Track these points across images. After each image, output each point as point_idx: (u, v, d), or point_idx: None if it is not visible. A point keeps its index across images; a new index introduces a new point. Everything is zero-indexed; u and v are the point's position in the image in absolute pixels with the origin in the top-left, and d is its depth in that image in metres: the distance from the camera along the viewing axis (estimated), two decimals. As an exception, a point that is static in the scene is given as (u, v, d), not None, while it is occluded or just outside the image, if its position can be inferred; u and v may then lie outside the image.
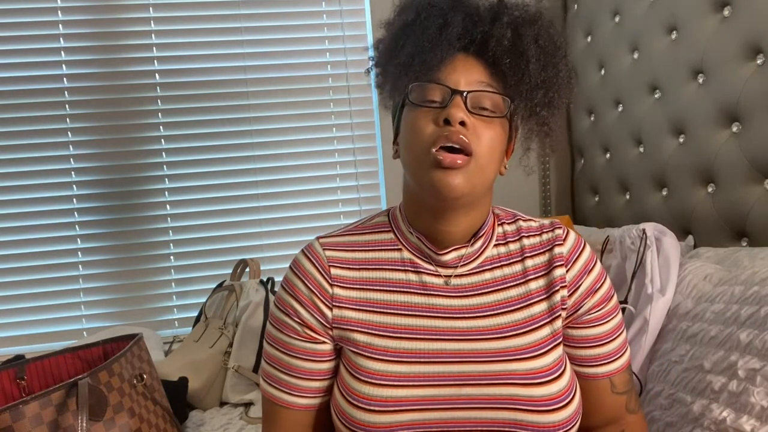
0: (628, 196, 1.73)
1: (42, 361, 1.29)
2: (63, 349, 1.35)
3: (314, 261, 0.82)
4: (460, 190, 0.73)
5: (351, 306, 0.80)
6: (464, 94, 0.75)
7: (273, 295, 1.68)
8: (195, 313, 1.82)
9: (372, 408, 0.75)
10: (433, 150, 0.73)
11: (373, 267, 0.83)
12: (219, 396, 1.60)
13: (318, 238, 0.85)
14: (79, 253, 1.91)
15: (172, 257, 1.96)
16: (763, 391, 0.87)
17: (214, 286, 1.81)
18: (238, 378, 1.58)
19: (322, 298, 0.80)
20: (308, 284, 0.81)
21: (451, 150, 0.73)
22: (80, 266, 1.91)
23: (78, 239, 1.91)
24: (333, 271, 0.81)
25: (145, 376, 1.20)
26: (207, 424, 1.44)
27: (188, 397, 1.50)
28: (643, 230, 1.29)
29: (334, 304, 0.80)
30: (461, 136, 0.73)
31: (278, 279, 1.79)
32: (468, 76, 0.76)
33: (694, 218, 1.45)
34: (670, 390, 1.06)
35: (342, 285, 0.81)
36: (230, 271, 1.81)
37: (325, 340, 0.81)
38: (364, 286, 0.81)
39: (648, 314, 1.18)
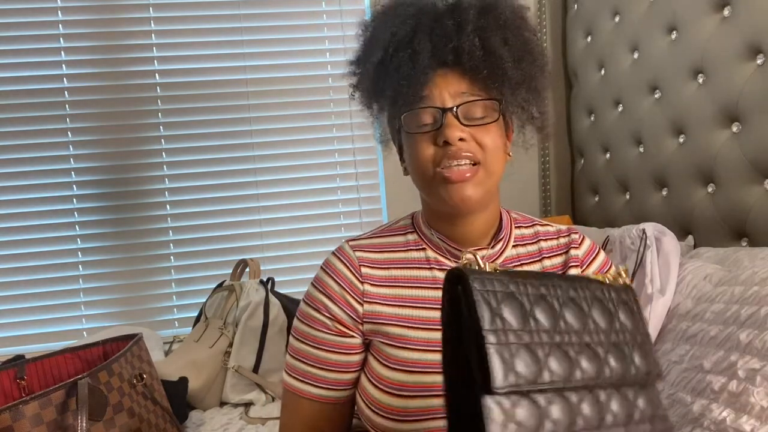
0: (628, 196, 1.73)
1: (42, 361, 1.29)
2: (63, 349, 1.35)
3: (345, 261, 0.86)
4: (474, 201, 0.78)
5: (383, 302, 0.84)
6: (454, 109, 0.78)
7: (273, 295, 1.68)
8: (195, 313, 1.82)
9: (405, 393, 0.79)
10: (438, 169, 0.78)
11: (401, 266, 0.86)
12: (219, 396, 1.60)
13: (347, 241, 0.89)
14: (79, 253, 1.91)
15: (172, 257, 1.96)
16: (763, 391, 0.87)
17: (214, 286, 1.81)
18: (238, 378, 1.58)
19: (352, 294, 0.84)
20: (339, 281, 0.85)
21: (459, 165, 0.77)
22: (80, 266, 1.91)
23: (78, 239, 1.91)
24: (363, 270, 0.85)
25: (145, 376, 1.20)
26: (207, 424, 1.44)
27: (188, 397, 1.50)
28: (643, 230, 1.29)
29: (365, 299, 0.84)
30: (465, 153, 0.77)
31: (278, 279, 1.79)
32: (452, 89, 0.79)
33: (694, 218, 1.45)
34: (670, 390, 1.06)
35: (372, 283, 0.85)
36: (230, 271, 1.81)
37: (355, 334, 0.84)
38: (394, 284, 0.85)
39: (648, 314, 1.18)
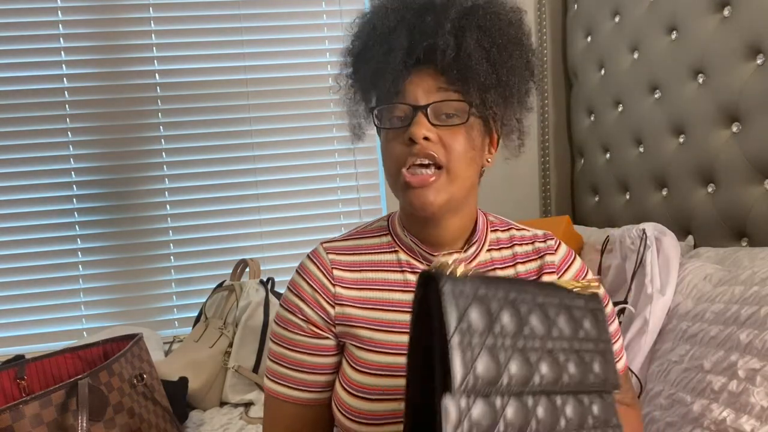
0: (628, 196, 1.73)
1: (42, 361, 1.29)
2: (63, 349, 1.35)
3: (318, 264, 0.86)
4: (436, 206, 0.77)
5: (353, 304, 0.84)
6: (425, 109, 0.77)
7: (273, 295, 1.68)
8: (195, 313, 1.82)
9: (368, 397, 0.80)
10: (404, 170, 0.77)
11: (373, 269, 0.86)
12: (219, 396, 1.60)
13: (322, 243, 0.89)
14: (79, 253, 1.91)
15: (172, 257, 1.96)
16: (763, 391, 0.87)
17: (214, 286, 1.81)
18: (238, 378, 1.58)
19: (324, 296, 0.84)
20: (312, 284, 0.85)
21: (422, 165, 0.77)
22: (80, 266, 1.91)
23: (78, 239, 1.91)
24: (335, 272, 0.85)
25: (145, 376, 1.20)
26: (207, 424, 1.44)
27: (188, 397, 1.50)
28: (643, 230, 1.29)
29: (336, 302, 0.84)
30: (428, 152, 0.76)
31: (278, 279, 1.79)
32: (426, 85, 0.78)
33: (694, 218, 1.45)
34: (670, 390, 1.06)
35: (344, 285, 0.85)
36: (230, 271, 1.81)
37: (328, 336, 0.85)
38: (365, 286, 0.85)
39: (648, 314, 1.19)
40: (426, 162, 0.76)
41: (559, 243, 0.92)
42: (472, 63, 0.76)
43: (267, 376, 0.88)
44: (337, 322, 0.84)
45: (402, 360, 0.81)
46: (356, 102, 0.87)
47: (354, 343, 0.84)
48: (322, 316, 0.84)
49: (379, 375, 0.81)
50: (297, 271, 0.89)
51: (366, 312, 0.84)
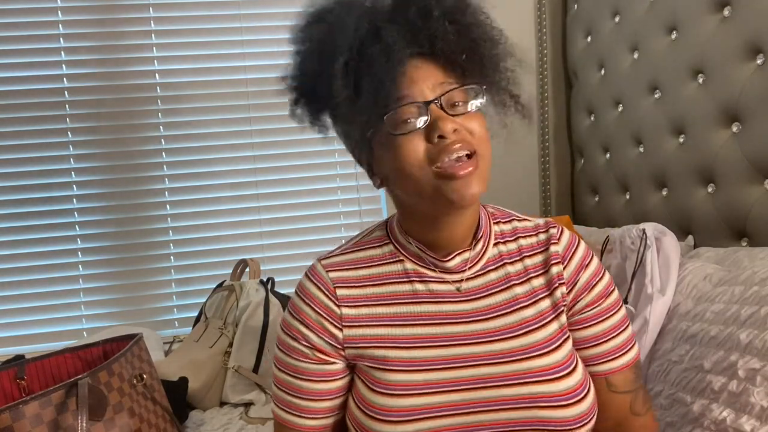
0: (628, 196, 1.73)
1: (42, 361, 1.29)
2: (63, 349, 1.35)
3: (319, 284, 0.81)
4: (477, 195, 0.73)
5: (362, 323, 0.80)
6: (437, 101, 0.73)
7: (273, 295, 1.68)
8: (195, 313, 1.82)
9: (391, 419, 0.75)
10: (436, 167, 0.72)
11: (378, 282, 0.82)
12: (219, 396, 1.60)
13: (319, 259, 0.85)
14: (79, 253, 1.91)
15: (172, 257, 1.96)
16: (763, 391, 0.87)
17: (214, 286, 1.81)
18: (238, 378, 1.58)
19: (330, 319, 0.80)
20: (315, 308, 0.80)
21: (457, 159, 0.72)
22: (80, 266, 1.91)
23: (78, 239, 1.91)
24: (339, 291, 0.81)
25: (145, 376, 1.20)
26: (207, 424, 1.44)
27: (188, 397, 1.50)
28: (643, 230, 1.29)
29: (344, 324, 0.80)
30: (460, 143, 0.72)
31: (278, 279, 1.79)
32: (428, 81, 0.74)
33: (694, 218, 1.45)
34: (670, 390, 1.06)
35: (349, 305, 0.80)
36: (230, 271, 1.81)
37: (336, 360, 0.81)
38: (372, 302, 0.81)
39: (648, 314, 1.18)
40: (461, 154, 0.72)
41: (562, 230, 0.86)
42: (477, 45, 0.75)
43: (273, 402, 0.84)
44: (346, 345, 0.80)
45: (411, 377, 0.77)
46: (351, 118, 0.80)
47: (369, 364, 0.79)
48: (329, 341, 0.80)
49: (393, 395, 0.76)
50: (296, 292, 0.83)
51: (377, 330, 0.79)
